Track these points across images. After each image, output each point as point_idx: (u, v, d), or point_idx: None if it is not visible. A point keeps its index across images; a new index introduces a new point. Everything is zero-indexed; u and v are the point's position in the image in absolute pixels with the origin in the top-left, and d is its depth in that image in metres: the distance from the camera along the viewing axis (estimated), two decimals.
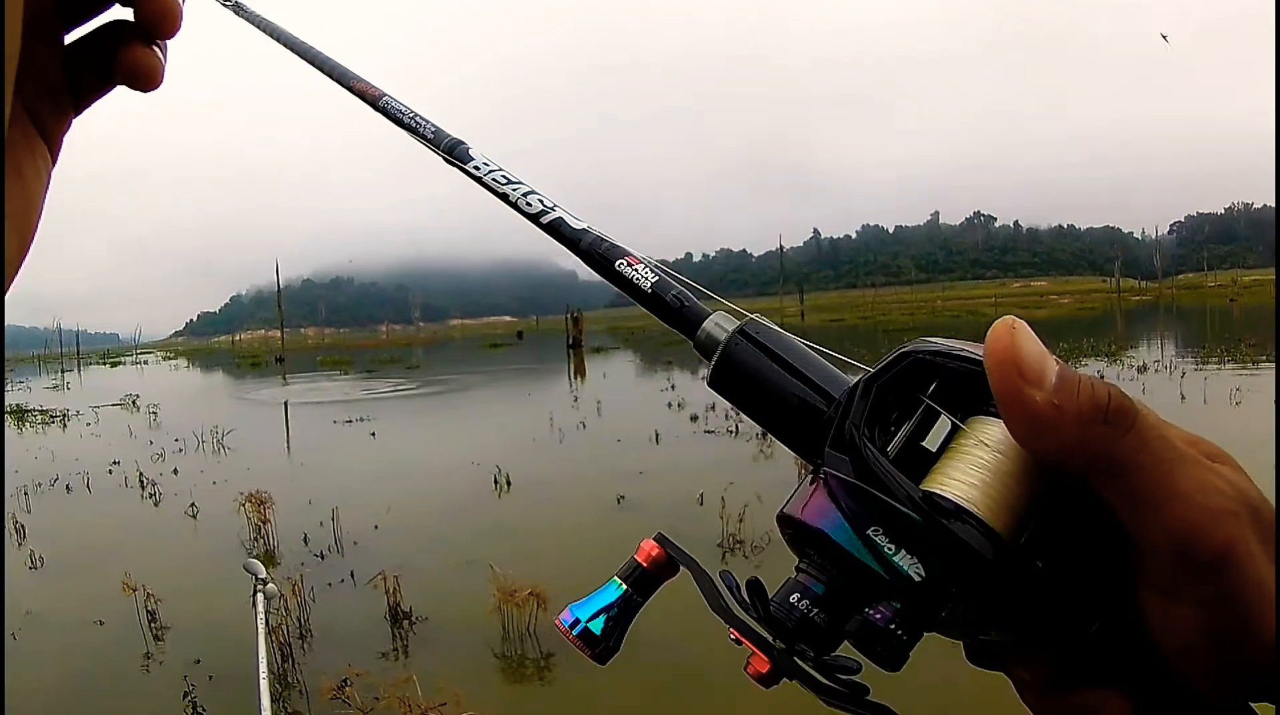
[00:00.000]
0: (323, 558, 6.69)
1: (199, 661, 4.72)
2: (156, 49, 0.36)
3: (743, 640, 0.34)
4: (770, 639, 0.34)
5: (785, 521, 0.36)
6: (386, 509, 7.93)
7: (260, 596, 2.21)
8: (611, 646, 0.36)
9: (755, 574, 0.35)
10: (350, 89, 0.57)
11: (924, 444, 0.35)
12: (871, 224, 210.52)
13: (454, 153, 0.50)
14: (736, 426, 11.73)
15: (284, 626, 4.77)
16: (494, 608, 4.83)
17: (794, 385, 0.37)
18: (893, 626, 0.33)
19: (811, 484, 0.35)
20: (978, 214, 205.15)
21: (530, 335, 74.94)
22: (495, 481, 8.77)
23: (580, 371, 28.51)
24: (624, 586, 0.36)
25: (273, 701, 1.95)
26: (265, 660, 2.04)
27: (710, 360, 0.38)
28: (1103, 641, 0.33)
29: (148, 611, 5.31)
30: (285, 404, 21.77)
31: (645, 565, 0.37)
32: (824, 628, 0.34)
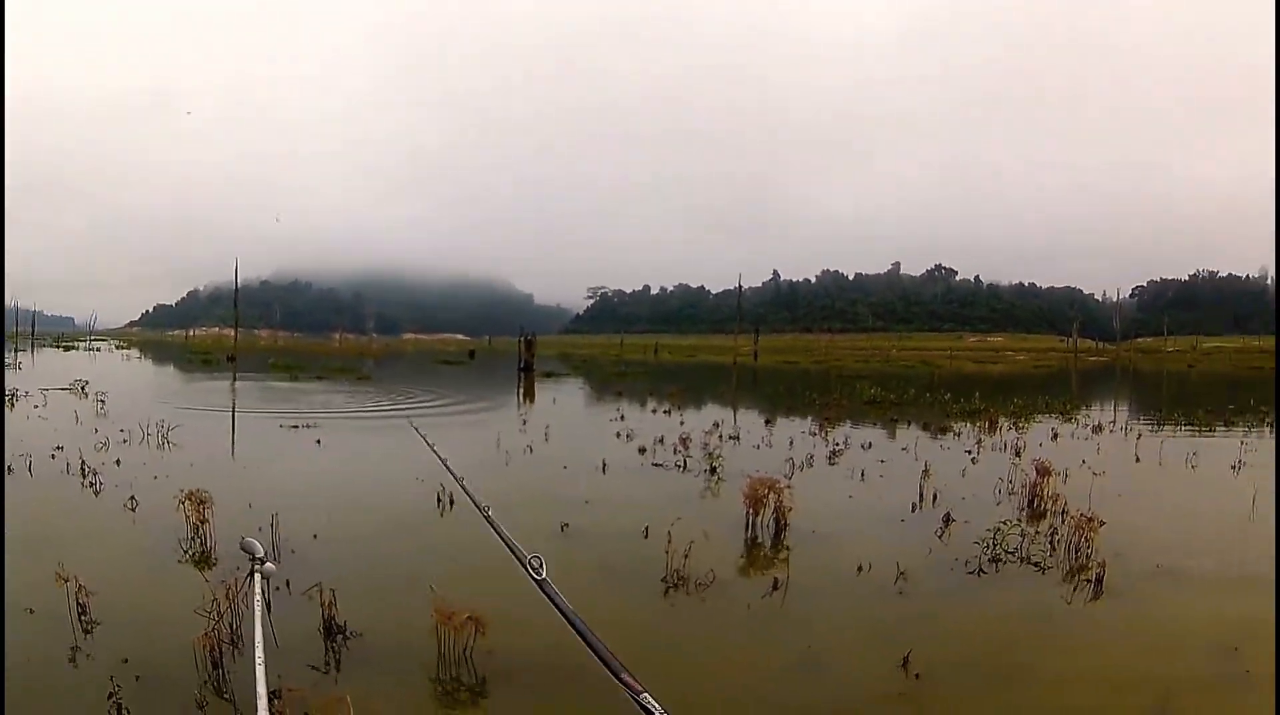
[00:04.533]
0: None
1: (126, 661, 4.62)
2: None
3: None
4: None
5: None
6: (327, 519, 7.85)
7: (258, 576, 2.20)
8: None
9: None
10: None
11: None
12: (832, 269, 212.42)
13: None
14: (684, 461, 11.82)
15: (216, 631, 4.68)
16: (431, 629, 4.80)
17: None
18: None
19: None
20: (939, 267, 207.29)
21: (482, 355, 74.57)
22: (438, 499, 8.71)
23: (530, 395, 28.43)
24: None
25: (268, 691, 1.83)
26: (262, 644, 2.01)
27: None
28: None
29: (79, 604, 5.17)
30: (233, 404, 21.42)
31: None
32: None
